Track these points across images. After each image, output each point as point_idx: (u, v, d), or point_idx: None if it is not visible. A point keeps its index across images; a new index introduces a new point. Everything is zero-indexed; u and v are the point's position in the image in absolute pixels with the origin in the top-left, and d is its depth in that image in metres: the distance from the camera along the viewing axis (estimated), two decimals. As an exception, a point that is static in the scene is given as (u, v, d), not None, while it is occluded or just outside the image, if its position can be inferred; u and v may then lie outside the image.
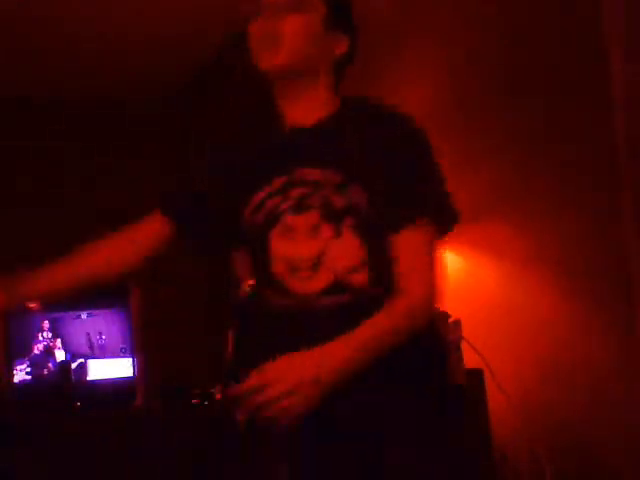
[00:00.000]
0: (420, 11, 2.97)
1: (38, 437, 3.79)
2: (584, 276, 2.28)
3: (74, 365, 4.37)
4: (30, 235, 4.62)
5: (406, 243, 1.49)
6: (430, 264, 1.49)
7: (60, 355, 4.38)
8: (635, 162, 2.09)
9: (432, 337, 1.56)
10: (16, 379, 4.26)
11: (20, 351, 4.32)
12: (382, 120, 1.55)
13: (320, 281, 1.49)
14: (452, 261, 2.69)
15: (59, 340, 4.40)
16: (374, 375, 1.45)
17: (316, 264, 1.49)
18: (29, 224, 4.75)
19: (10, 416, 3.96)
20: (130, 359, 4.47)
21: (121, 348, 4.51)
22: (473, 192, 2.60)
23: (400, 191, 1.50)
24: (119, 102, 5.00)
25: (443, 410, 1.53)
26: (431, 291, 1.49)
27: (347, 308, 1.47)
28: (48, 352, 4.37)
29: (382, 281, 1.49)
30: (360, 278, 1.49)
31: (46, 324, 4.39)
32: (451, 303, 2.03)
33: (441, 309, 2.18)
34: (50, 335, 4.38)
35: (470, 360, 2.48)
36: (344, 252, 1.49)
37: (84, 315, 4.49)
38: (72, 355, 4.40)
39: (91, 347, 4.47)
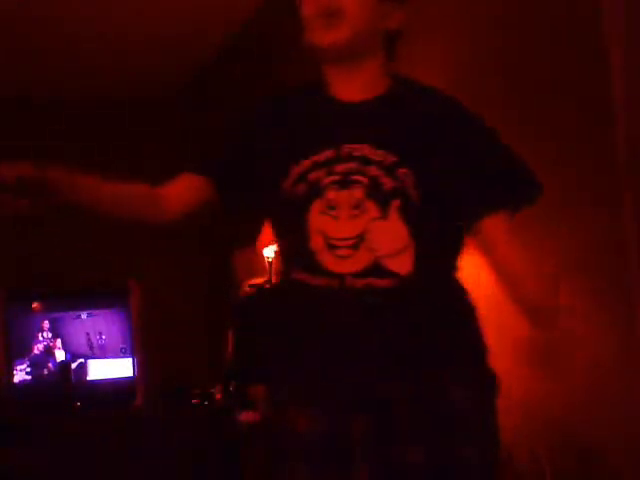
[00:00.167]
0: (423, 11, 2.97)
1: (38, 437, 3.79)
2: (584, 276, 2.28)
3: (74, 365, 4.37)
4: (30, 235, 4.62)
5: (498, 227, 1.53)
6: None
7: (60, 355, 4.38)
8: (635, 162, 2.09)
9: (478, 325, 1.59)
10: (16, 379, 4.26)
11: (20, 351, 4.32)
12: (436, 102, 1.51)
13: (359, 261, 1.40)
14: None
15: (59, 340, 4.39)
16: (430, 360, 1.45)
17: (357, 243, 1.40)
18: (29, 224, 4.74)
19: (10, 416, 3.96)
20: (130, 359, 4.47)
21: (121, 348, 4.51)
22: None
23: (490, 174, 1.48)
24: (119, 102, 5.01)
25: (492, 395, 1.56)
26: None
27: (384, 294, 1.40)
28: (48, 352, 4.36)
29: (427, 269, 1.43)
30: (402, 263, 1.41)
31: (46, 324, 4.39)
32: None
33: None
34: (50, 335, 4.38)
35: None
36: (388, 234, 1.41)
37: (84, 315, 4.49)
38: (72, 355, 4.40)
39: (91, 347, 4.46)
